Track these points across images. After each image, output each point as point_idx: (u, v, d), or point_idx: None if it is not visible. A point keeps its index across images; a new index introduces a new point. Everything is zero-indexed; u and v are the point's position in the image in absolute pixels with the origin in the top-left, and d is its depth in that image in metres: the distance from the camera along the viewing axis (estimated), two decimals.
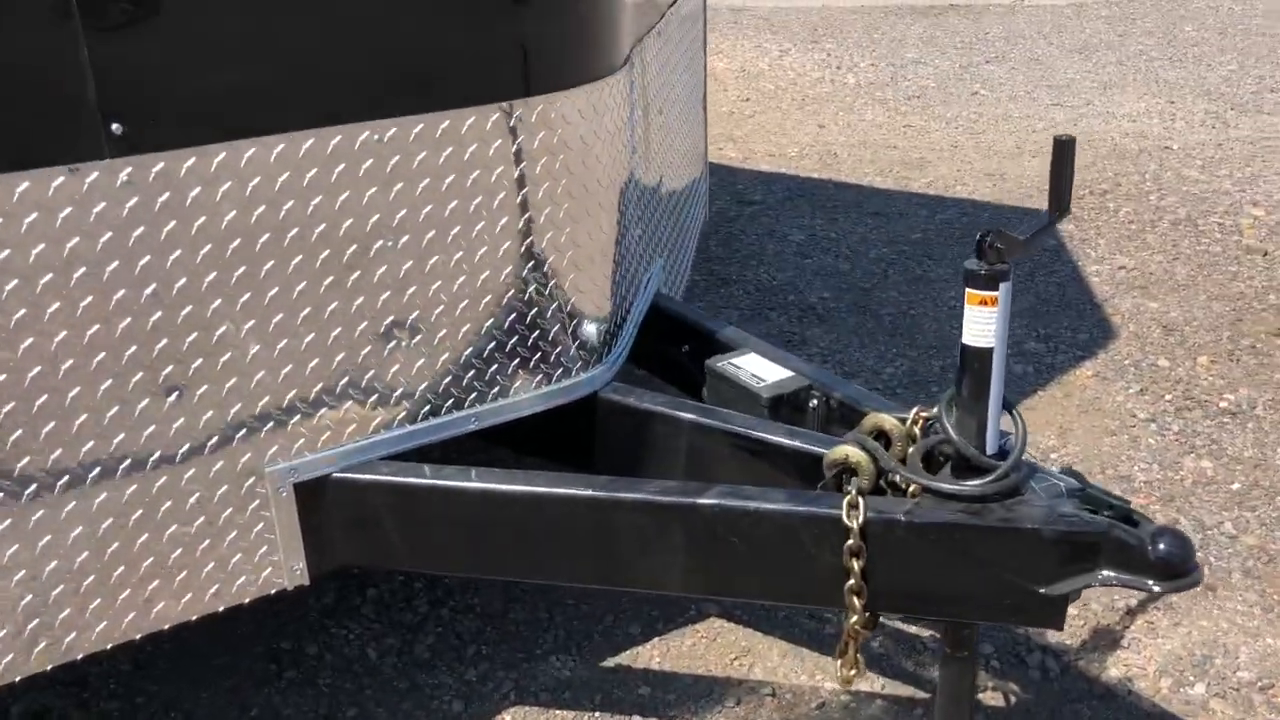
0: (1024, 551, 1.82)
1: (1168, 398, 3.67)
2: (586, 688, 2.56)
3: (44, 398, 1.76)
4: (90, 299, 1.75)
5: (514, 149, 2.05)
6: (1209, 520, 3.05)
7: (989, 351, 1.82)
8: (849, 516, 1.87)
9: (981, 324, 1.81)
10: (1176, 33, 9.73)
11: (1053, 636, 2.65)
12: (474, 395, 2.15)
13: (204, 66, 1.76)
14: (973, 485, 1.87)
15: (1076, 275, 4.66)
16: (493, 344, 2.14)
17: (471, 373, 2.13)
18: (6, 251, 1.68)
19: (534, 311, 2.17)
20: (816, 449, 2.07)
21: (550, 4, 2.07)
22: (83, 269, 1.74)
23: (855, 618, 1.92)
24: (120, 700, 2.53)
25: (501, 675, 2.59)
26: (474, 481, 2.04)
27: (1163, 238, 5.00)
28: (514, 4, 2.03)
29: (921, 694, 2.50)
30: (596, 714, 2.48)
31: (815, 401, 2.30)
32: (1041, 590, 1.84)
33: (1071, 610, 2.70)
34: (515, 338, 2.16)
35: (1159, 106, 7.33)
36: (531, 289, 2.15)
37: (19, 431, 1.75)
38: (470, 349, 2.12)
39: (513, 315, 2.14)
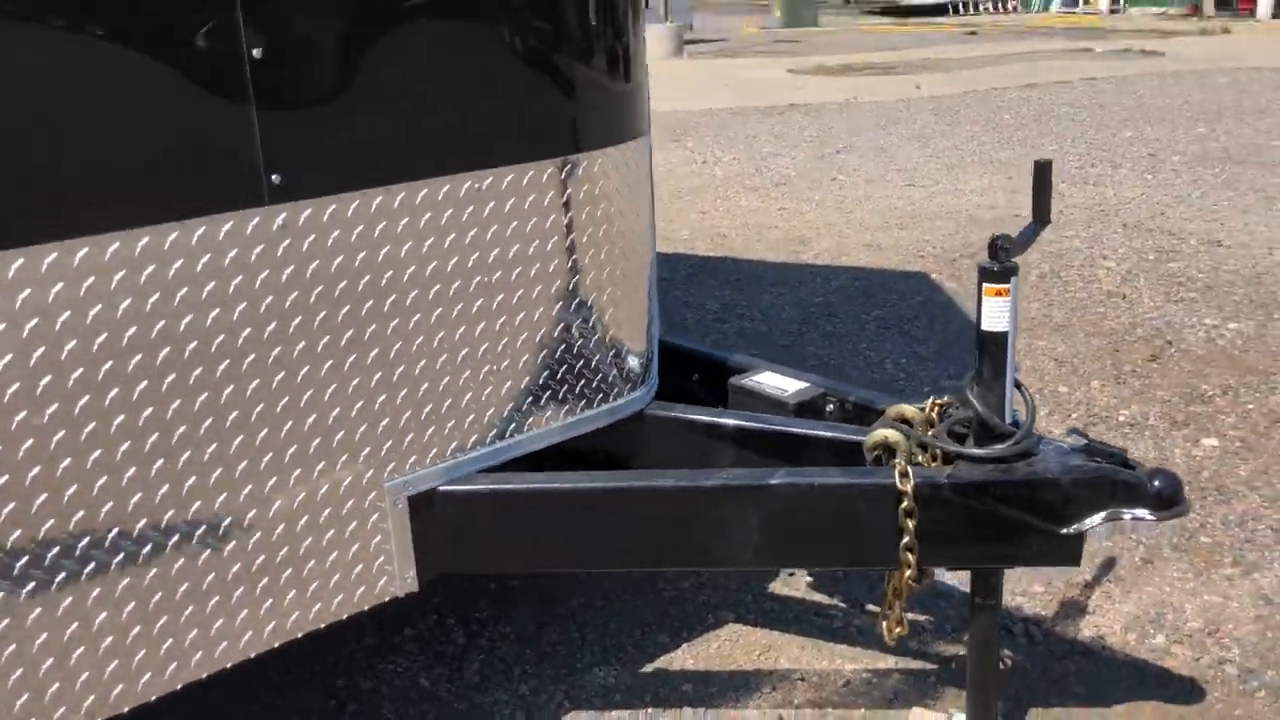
0: (1047, 499, 2.20)
1: (1074, 416, 4.18)
2: (633, 690, 2.80)
3: (209, 420, 1.96)
4: (249, 330, 1.98)
5: (581, 196, 2.37)
6: None
7: (1005, 335, 2.21)
8: (902, 483, 2.21)
9: (998, 312, 2.20)
10: (998, 120, 10.77)
11: (1029, 609, 3.03)
12: (549, 414, 2.43)
13: (348, 126, 2.03)
14: (999, 449, 2.24)
15: (969, 323, 5.19)
16: (564, 368, 2.43)
17: (548, 393, 2.41)
18: (185, 289, 1.90)
19: (595, 338, 2.47)
20: (852, 438, 2.42)
21: (605, 76, 2.41)
22: (244, 304, 1.97)
23: (909, 572, 2.26)
24: None
25: (552, 688, 2.81)
26: (567, 483, 2.31)
27: (1034, 288, 5.62)
28: (572, 80, 2.37)
29: (930, 666, 2.83)
30: (650, 710, 2.73)
31: (832, 406, 2.65)
32: (1062, 531, 2.21)
33: (1038, 586, 3.13)
34: (581, 362, 2.45)
35: (999, 182, 8.13)
36: (593, 319, 2.46)
37: (188, 452, 1.95)
38: (547, 372, 2.40)
39: (580, 342, 2.44)
